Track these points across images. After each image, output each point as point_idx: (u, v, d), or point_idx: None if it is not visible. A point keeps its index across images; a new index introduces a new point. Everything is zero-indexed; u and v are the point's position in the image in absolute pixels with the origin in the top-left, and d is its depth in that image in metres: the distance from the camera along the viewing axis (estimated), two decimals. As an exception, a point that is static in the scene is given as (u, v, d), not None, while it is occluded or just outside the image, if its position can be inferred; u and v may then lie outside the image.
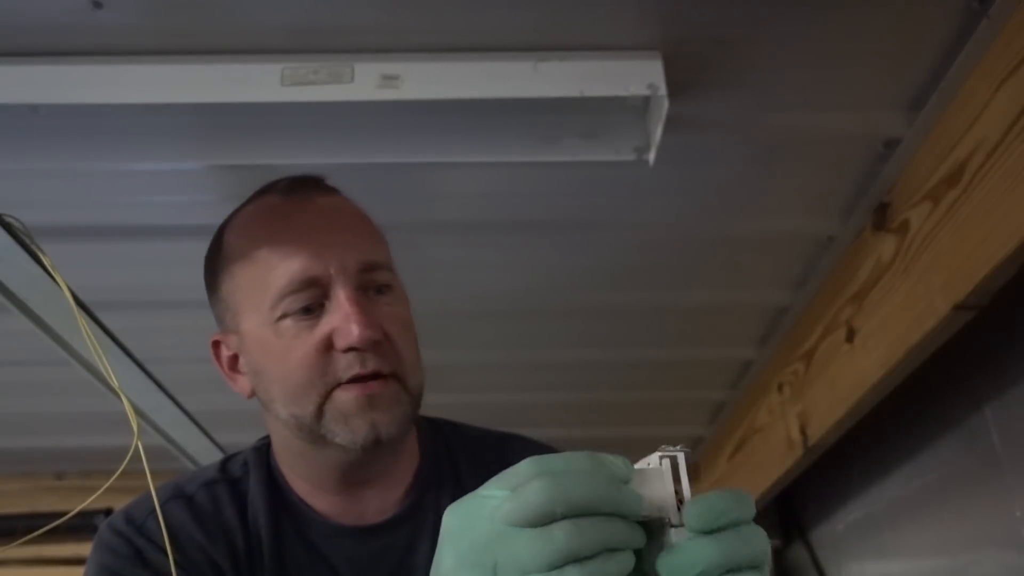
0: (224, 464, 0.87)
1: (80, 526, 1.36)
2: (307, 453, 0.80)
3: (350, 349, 0.74)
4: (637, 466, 0.51)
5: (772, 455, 1.88)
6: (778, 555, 2.50)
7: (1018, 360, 1.34)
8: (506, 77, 1.01)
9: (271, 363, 0.77)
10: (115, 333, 1.27)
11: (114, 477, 0.83)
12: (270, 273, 0.76)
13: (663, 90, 1.00)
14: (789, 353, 1.74)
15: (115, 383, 0.80)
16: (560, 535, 0.42)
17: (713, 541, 0.45)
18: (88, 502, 0.85)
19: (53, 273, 0.82)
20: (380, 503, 0.83)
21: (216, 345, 0.84)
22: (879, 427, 1.71)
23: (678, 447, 0.51)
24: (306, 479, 0.83)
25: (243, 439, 1.01)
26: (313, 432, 0.77)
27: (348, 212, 0.83)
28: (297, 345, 0.75)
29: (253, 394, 0.82)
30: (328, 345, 0.75)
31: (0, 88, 1.00)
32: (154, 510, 0.74)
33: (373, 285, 0.78)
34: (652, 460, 0.50)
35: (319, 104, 1.00)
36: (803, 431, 1.70)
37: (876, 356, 1.37)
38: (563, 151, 1.10)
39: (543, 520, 0.43)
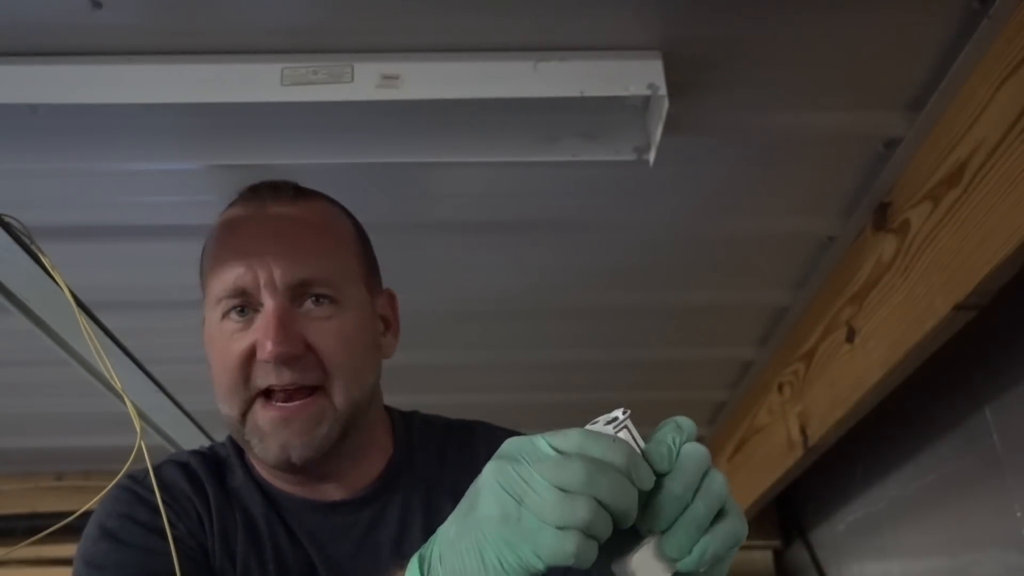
0: (213, 444, 0.92)
1: (81, 527, 1.36)
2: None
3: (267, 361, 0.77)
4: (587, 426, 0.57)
5: (772, 455, 1.88)
6: (778, 555, 2.50)
7: (1018, 360, 1.34)
8: (506, 77, 1.01)
9: (215, 359, 0.82)
10: (115, 333, 1.27)
11: (119, 477, 0.84)
12: (215, 277, 0.81)
13: (663, 90, 1.00)
14: (789, 353, 1.74)
15: (118, 384, 0.80)
16: (581, 511, 0.50)
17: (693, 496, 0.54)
18: (92, 503, 0.85)
19: (53, 273, 0.82)
20: (344, 491, 0.86)
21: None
22: (879, 427, 1.71)
23: (621, 411, 0.59)
24: (261, 466, 0.87)
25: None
26: (239, 435, 0.82)
27: (296, 223, 0.82)
28: (231, 347, 0.79)
29: None
30: (253, 353, 0.78)
31: (0, 88, 1.00)
32: (150, 469, 0.80)
33: (308, 296, 0.80)
34: (605, 429, 0.56)
35: (319, 104, 1.00)
36: (803, 431, 1.69)
37: (876, 356, 1.37)
38: (563, 151, 1.10)
39: (571, 491, 0.50)
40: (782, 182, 1.30)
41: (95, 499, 0.86)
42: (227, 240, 0.82)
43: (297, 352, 0.77)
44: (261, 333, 0.77)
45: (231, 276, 0.79)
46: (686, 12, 0.99)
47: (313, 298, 0.80)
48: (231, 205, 0.87)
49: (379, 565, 0.82)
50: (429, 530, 0.85)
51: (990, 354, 1.39)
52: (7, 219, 0.92)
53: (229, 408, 0.80)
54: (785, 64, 1.08)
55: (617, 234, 1.44)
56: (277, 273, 0.78)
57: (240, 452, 0.88)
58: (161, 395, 1.55)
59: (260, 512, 0.85)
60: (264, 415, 0.78)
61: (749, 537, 2.37)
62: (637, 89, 1.00)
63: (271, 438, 0.78)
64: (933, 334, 1.21)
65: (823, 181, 1.31)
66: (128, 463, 0.82)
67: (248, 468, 0.87)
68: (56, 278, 0.82)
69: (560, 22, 1.00)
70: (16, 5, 0.95)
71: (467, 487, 0.80)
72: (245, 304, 0.79)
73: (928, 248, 1.20)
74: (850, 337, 1.46)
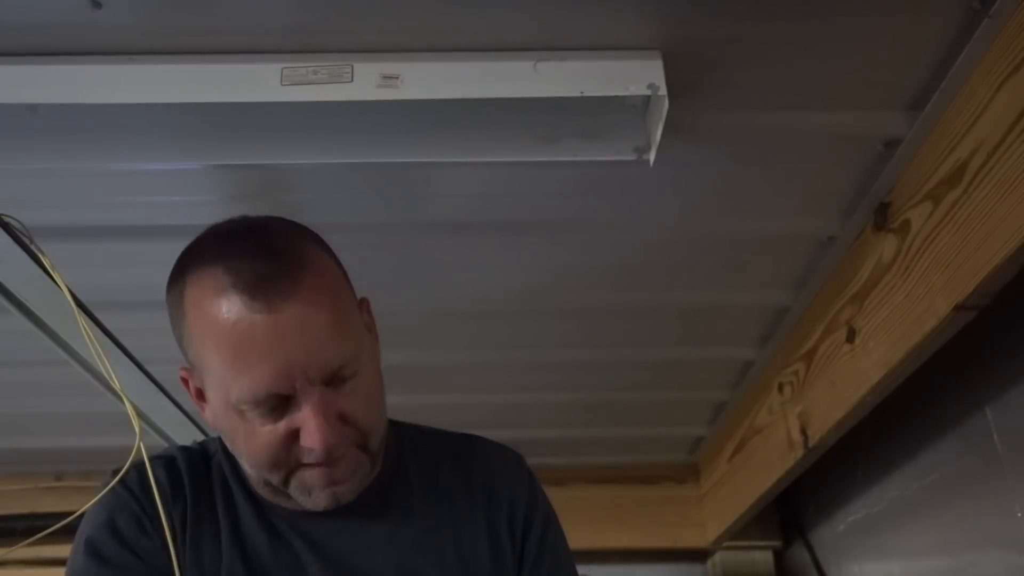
0: (206, 440, 0.95)
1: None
2: (266, 490, 0.89)
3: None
4: None
5: (773, 455, 1.88)
6: (778, 555, 2.50)
7: (1019, 361, 1.34)
8: (506, 77, 1.01)
9: (236, 437, 0.83)
10: (115, 333, 1.27)
11: (118, 478, 0.84)
12: (233, 380, 0.78)
13: (663, 90, 1.00)
14: (790, 353, 1.74)
15: (117, 384, 0.81)
16: None
17: None
18: (91, 504, 0.85)
19: (53, 273, 0.82)
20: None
21: (184, 379, 0.87)
22: (880, 428, 1.71)
23: None
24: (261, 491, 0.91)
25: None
26: (278, 490, 0.85)
27: (314, 309, 0.78)
28: (263, 432, 0.79)
29: (214, 426, 0.87)
30: (294, 436, 0.79)
31: (-1, 88, 1.00)
32: (133, 467, 0.87)
33: (337, 377, 0.80)
34: None
35: (319, 104, 1.00)
36: (804, 431, 1.69)
37: (877, 356, 1.37)
38: (563, 151, 1.10)
39: None
40: (782, 182, 1.30)
41: (94, 500, 0.86)
42: (243, 344, 0.76)
43: (340, 438, 0.80)
44: (306, 424, 0.78)
45: (261, 384, 0.77)
46: (686, 12, 0.99)
47: (341, 376, 0.81)
48: (213, 291, 0.78)
49: (370, 564, 0.87)
50: (419, 531, 0.89)
51: (990, 354, 1.39)
52: (7, 219, 0.92)
53: (267, 475, 0.83)
54: (785, 64, 1.07)
55: (617, 234, 1.44)
56: (312, 371, 0.77)
57: (230, 457, 0.90)
58: (160, 395, 1.55)
59: (249, 513, 0.89)
60: (311, 475, 0.82)
61: (750, 537, 2.38)
62: (637, 89, 1.00)
63: (320, 491, 0.83)
64: (933, 334, 1.21)
65: (823, 181, 1.31)
66: (127, 465, 0.83)
67: (238, 472, 0.91)
68: (56, 278, 0.82)
69: (560, 22, 1.00)
70: (15, 5, 0.95)
71: (459, 493, 0.88)
72: (276, 403, 0.79)
73: (928, 248, 1.20)
74: (850, 337, 1.46)
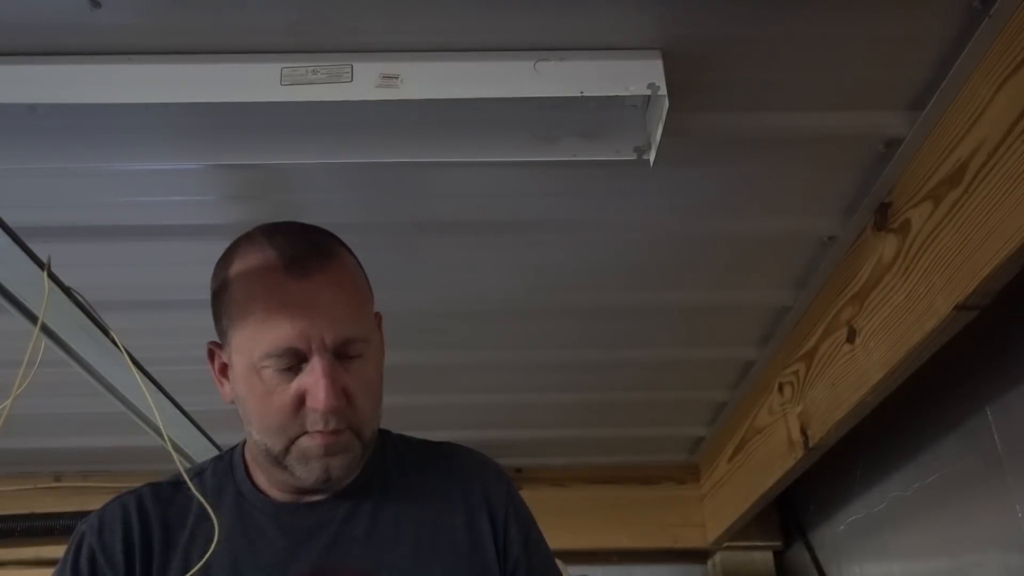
0: (191, 467, 1.03)
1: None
2: (268, 466, 0.94)
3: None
4: None
5: (773, 456, 1.88)
6: (779, 556, 2.50)
7: (1020, 361, 1.33)
8: (506, 77, 1.01)
9: (251, 400, 0.91)
10: (115, 333, 1.27)
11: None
12: (259, 335, 0.88)
13: (663, 90, 1.00)
14: (790, 353, 1.74)
15: (159, 423, 0.89)
16: None
17: None
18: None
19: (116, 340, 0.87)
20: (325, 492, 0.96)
21: (211, 352, 0.97)
22: (880, 428, 1.71)
23: None
24: (265, 476, 0.98)
25: (241, 440, 1.01)
26: (278, 460, 0.92)
27: (338, 286, 0.91)
28: (276, 394, 0.88)
29: (233, 401, 0.95)
30: (301, 400, 0.88)
31: (-2, 87, 1.00)
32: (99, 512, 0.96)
33: (347, 351, 0.90)
34: None
35: (318, 104, 1.00)
36: (804, 432, 1.69)
37: (877, 357, 1.37)
38: (563, 151, 1.10)
39: None
40: (782, 182, 1.30)
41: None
42: (273, 302, 0.88)
43: (343, 404, 0.89)
44: (314, 386, 0.87)
45: (283, 338, 0.87)
46: (686, 12, 0.99)
47: (348, 355, 0.90)
48: (257, 254, 0.91)
49: (352, 555, 0.93)
50: (396, 527, 0.96)
51: (991, 354, 1.39)
52: (76, 293, 1.07)
53: (271, 442, 0.90)
54: (785, 64, 1.07)
55: (617, 234, 1.44)
56: (328, 336, 0.87)
57: (231, 470, 0.99)
58: (160, 395, 1.55)
59: (234, 516, 0.95)
60: (310, 443, 0.89)
61: (750, 537, 2.37)
62: (637, 89, 1.00)
63: (315, 462, 0.90)
64: (934, 334, 1.21)
65: (823, 181, 1.31)
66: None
67: (237, 483, 0.98)
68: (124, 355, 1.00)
69: (560, 22, 1.00)
70: (15, 4, 0.95)
71: (439, 494, 0.99)
72: (291, 364, 0.88)
73: (929, 248, 1.20)
74: (851, 337, 1.46)
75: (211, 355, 0.97)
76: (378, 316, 0.99)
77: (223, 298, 0.93)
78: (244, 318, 0.90)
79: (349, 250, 0.98)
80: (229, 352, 0.93)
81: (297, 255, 0.90)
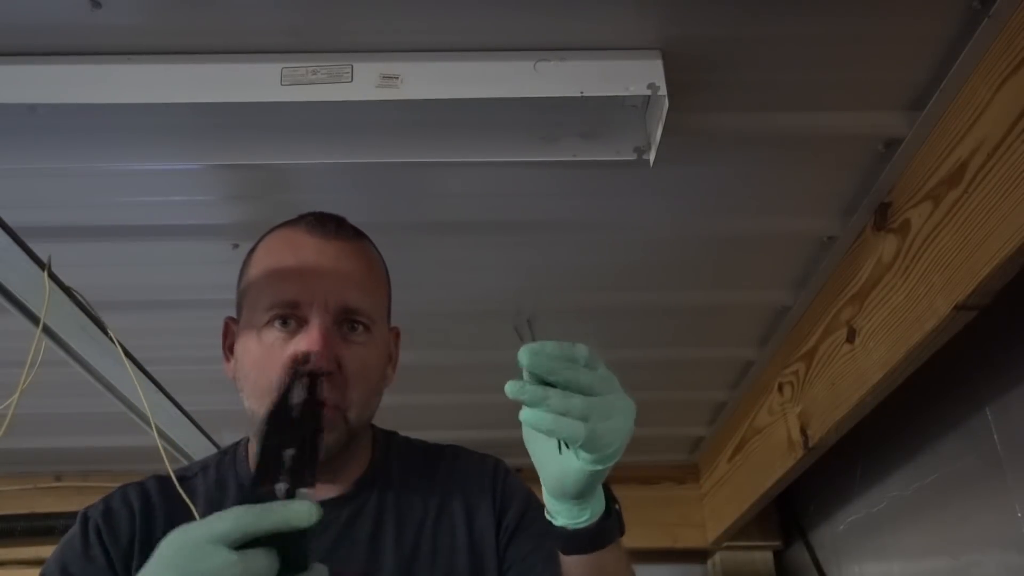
0: (190, 464, 1.01)
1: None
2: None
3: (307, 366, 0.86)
4: None
5: (773, 456, 1.88)
6: (778, 555, 2.50)
7: (1019, 361, 1.34)
8: (506, 77, 1.01)
9: (248, 361, 0.90)
10: (115, 333, 1.27)
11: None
12: (268, 287, 0.89)
13: (663, 90, 1.00)
14: (790, 353, 1.74)
15: (151, 419, 0.85)
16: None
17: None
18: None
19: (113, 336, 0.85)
20: (328, 492, 0.94)
21: (227, 326, 0.97)
22: (880, 428, 1.71)
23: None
24: None
25: (244, 436, 1.01)
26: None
27: (355, 258, 0.92)
28: (271, 354, 0.87)
29: (234, 377, 0.94)
30: (294, 361, 0.86)
31: (-1, 88, 1.00)
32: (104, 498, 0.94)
33: (348, 322, 0.89)
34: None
35: (319, 104, 1.00)
36: (804, 432, 1.69)
37: (877, 356, 1.37)
38: (563, 151, 1.10)
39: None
40: (782, 182, 1.30)
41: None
42: (288, 256, 0.90)
43: (333, 368, 0.86)
44: (306, 343, 0.85)
45: (289, 289, 0.87)
46: (686, 12, 0.99)
47: (351, 324, 0.89)
48: (288, 225, 0.94)
49: (354, 558, 0.91)
50: (400, 528, 0.95)
51: (991, 354, 1.39)
52: (76, 293, 1.05)
53: (257, 406, 0.88)
54: (785, 64, 1.08)
55: (617, 234, 1.44)
56: (331, 297, 0.87)
57: (234, 464, 0.97)
58: (160, 395, 1.55)
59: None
60: None
61: (750, 537, 2.36)
62: (637, 89, 1.00)
63: None
64: (934, 334, 1.21)
65: (823, 181, 1.31)
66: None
67: (239, 476, 0.97)
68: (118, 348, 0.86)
69: (560, 22, 1.00)
70: (15, 5, 0.95)
71: (437, 491, 0.98)
72: (292, 316, 0.87)
73: (929, 248, 1.20)
74: (850, 337, 1.46)
75: (225, 330, 0.97)
76: (395, 331, 1.00)
77: (246, 264, 0.94)
78: (259, 277, 0.91)
79: (376, 250, 0.99)
80: (239, 320, 0.94)
81: (324, 222, 0.92)
